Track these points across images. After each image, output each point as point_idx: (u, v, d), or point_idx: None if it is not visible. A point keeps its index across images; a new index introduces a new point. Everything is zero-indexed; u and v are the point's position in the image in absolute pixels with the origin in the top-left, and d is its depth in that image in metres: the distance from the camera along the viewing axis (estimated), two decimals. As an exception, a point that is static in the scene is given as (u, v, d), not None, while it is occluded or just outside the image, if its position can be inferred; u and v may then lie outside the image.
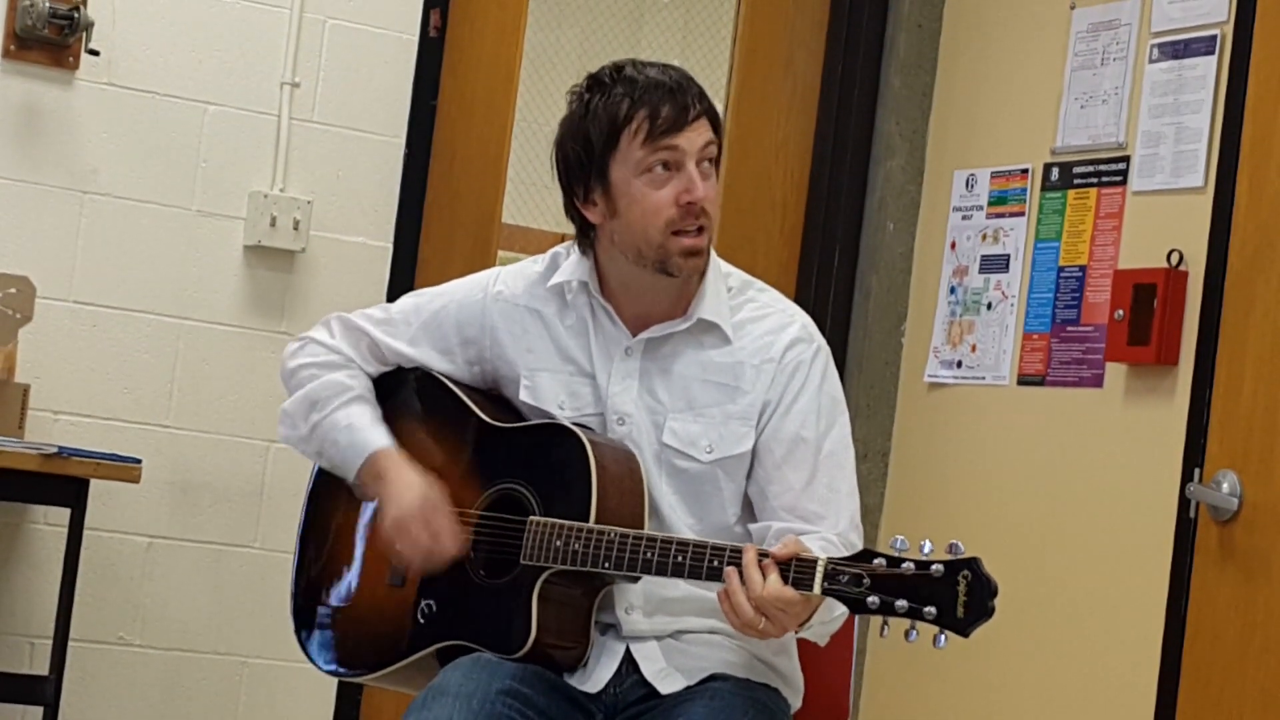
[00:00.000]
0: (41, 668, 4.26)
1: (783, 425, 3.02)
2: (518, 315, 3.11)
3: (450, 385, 3.13)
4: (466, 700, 2.84)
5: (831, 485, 3.02)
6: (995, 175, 4.67)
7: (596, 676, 2.97)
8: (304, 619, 3.19)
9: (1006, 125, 4.68)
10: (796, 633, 2.87)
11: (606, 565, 2.86)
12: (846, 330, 4.94)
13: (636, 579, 2.91)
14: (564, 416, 3.04)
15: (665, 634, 3.00)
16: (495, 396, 3.14)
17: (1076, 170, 4.44)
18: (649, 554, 2.83)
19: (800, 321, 3.09)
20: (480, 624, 2.97)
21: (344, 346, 3.18)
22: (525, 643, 2.90)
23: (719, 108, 3.08)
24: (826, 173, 5.01)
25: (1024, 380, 4.51)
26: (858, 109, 4.98)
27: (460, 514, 3.02)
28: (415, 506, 2.99)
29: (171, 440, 4.47)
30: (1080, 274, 4.38)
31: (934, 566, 2.66)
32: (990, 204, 4.68)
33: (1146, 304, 4.10)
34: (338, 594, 3.16)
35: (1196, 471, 3.96)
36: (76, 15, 4.30)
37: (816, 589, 2.70)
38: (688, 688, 2.97)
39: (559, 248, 3.15)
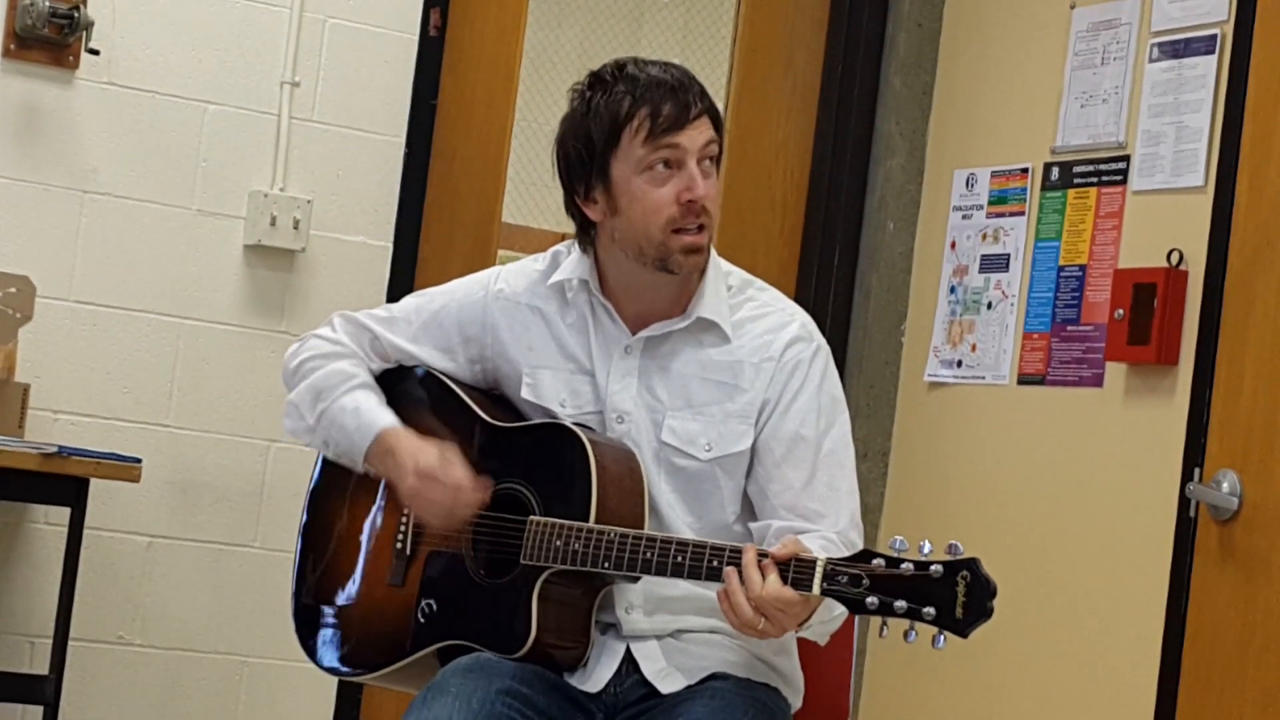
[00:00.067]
0: (41, 667, 4.26)
1: (782, 424, 3.02)
2: (519, 313, 3.11)
3: (451, 385, 3.13)
4: (466, 700, 2.84)
5: (831, 484, 3.02)
6: (995, 175, 4.67)
7: (597, 676, 2.97)
8: (304, 618, 3.18)
9: (1006, 125, 4.68)
10: (796, 632, 2.87)
11: (606, 565, 2.86)
12: (846, 330, 4.94)
13: (636, 579, 2.91)
14: (565, 414, 3.04)
15: (665, 633, 3.00)
16: (496, 396, 3.14)
17: (1076, 170, 4.44)
18: (649, 554, 2.83)
19: (800, 320, 3.09)
20: (480, 623, 2.97)
21: (346, 340, 3.18)
22: (525, 642, 2.90)
23: (719, 107, 3.08)
24: (826, 172, 5.01)
25: (1024, 380, 4.51)
26: (858, 108, 4.98)
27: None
28: (430, 464, 2.97)
29: (171, 440, 4.47)
30: (1080, 273, 4.38)
31: (933, 567, 2.66)
32: (990, 203, 4.68)
33: (1146, 303, 4.10)
34: (338, 593, 3.16)
35: (1196, 471, 3.96)
36: (76, 14, 4.30)
37: (816, 589, 2.70)
38: (688, 687, 2.97)
39: (560, 246, 3.15)
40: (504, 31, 4.77)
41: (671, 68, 3.01)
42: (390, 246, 4.64)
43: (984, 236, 4.69)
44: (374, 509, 3.13)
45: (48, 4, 4.29)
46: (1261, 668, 3.79)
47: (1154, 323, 4.09)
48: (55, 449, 4.07)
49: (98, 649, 4.42)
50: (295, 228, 4.53)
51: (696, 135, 2.97)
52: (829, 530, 2.98)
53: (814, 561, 2.71)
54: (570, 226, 3.12)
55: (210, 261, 4.50)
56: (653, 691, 2.97)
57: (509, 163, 4.79)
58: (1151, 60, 4.27)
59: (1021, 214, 4.59)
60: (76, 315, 4.40)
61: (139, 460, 4.17)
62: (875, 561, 2.68)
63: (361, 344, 3.18)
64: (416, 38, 4.65)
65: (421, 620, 3.03)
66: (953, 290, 4.75)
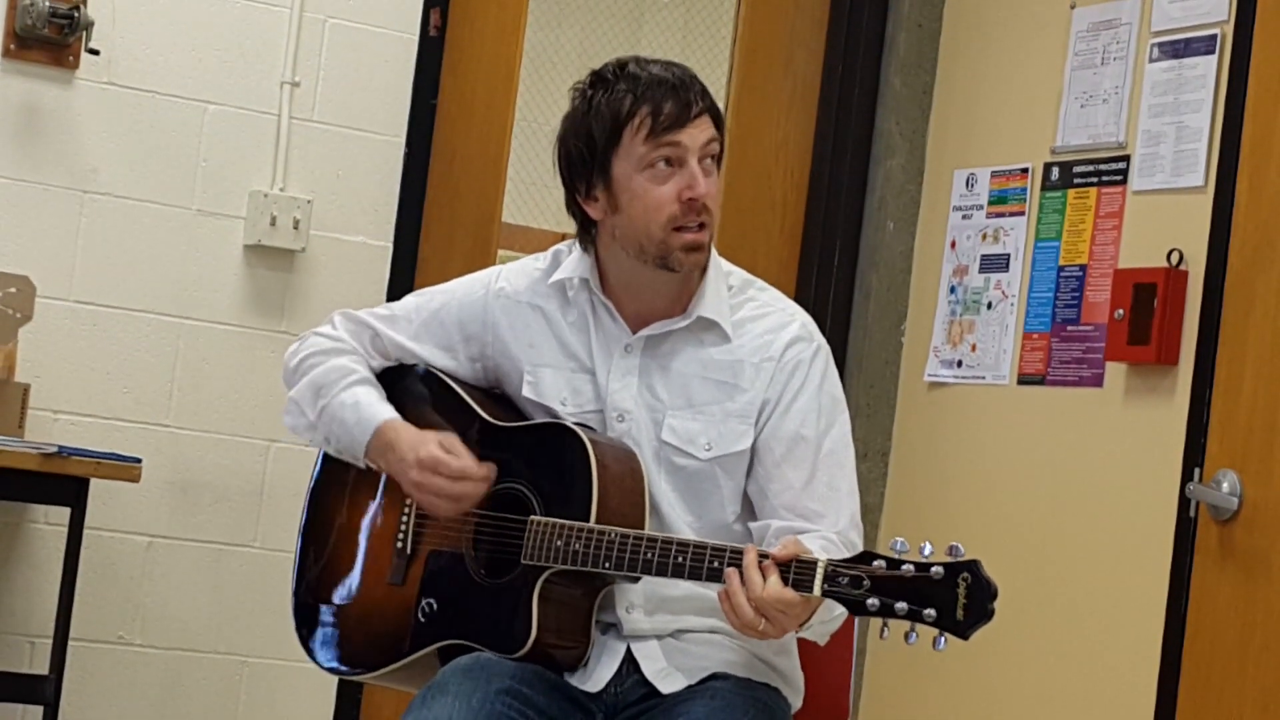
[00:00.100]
0: (41, 667, 4.26)
1: (782, 424, 3.02)
2: (520, 312, 3.11)
3: (451, 383, 3.13)
4: (466, 699, 2.84)
5: (831, 484, 3.02)
6: (995, 174, 4.67)
7: (597, 676, 2.97)
8: (305, 618, 3.18)
9: (1007, 125, 4.68)
10: (796, 633, 2.87)
11: (607, 565, 2.86)
12: (846, 329, 4.94)
13: (637, 579, 2.91)
14: (566, 413, 3.04)
15: (666, 633, 3.01)
16: (497, 395, 3.14)
17: (1076, 170, 4.44)
18: (649, 554, 2.83)
19: (800, 320, 3.09)
20: (481, 623, 2.97)
21: (346, 337, 3.19)
22: (526, 642, 2.90)
23: (719, 107, 3.08)
24: (826, 172, 5.01)
25: (1024, 380, 4.51)
26: (858, 108, 4.98)
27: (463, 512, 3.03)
28: (432, 454, 2.97)
29: (171, 439, 4.47)
30: (1080, 273, 4.38)
31: (934, 569, 2.66)
32: (990, 203, 4.68)
33: (1146, 303, 4.10)
34: (338, 593, 3.16)
35: (1196, 471, 3.96)
36: (76, 14, 4.30)
37: (816, 590, 2.70)
38: (688, 687, 2.97)
39: (561, 245, 3.15)
40: (504, 31, 4.77)
41: (673, 66, 3.01)
42: (390, 246, 4.64)
43: (984, 236, 4.69)
44: (374, 508, 3.13)
45: (48, 4, 4.29)
46: (1261, 668, 3.79)
47: (1154, 323, 4.09)
48: (55, 449, 4.07)
49: (98, 649, 4.42)
50: (295, 228, 4.53)
51: (698, 133, 2.98)
52: (829, 530, 2.98)
53: (815, 563, 2.71)
54: (570, 226, 3.12)
55: (210, 261, 4.50)
56: (653, 691, 2.97)
57: (509, 163, 4.79)
58: (1151, 60, 4.27)
59: (1021, 214, 4.59)
60: (76, 315, 4.40)
61: (139, 460, 4.17)
62: (876, 563, 2.68)
63: (362, 341, 3.18)
64: (416, 38, 4.65)
65: (422, 619, 3.03)
66: (953, 290, 4.75)
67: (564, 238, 3.21)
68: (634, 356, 3.05)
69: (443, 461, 2.97)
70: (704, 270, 3.05)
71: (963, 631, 2.65)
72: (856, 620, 3.03)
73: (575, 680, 2.97)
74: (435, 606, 3.03)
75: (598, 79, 3.02)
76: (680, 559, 2.81)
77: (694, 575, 2.81)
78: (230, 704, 4.53)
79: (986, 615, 2.64)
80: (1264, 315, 3.88)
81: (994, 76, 4.74)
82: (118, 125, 4.42)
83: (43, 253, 4.36)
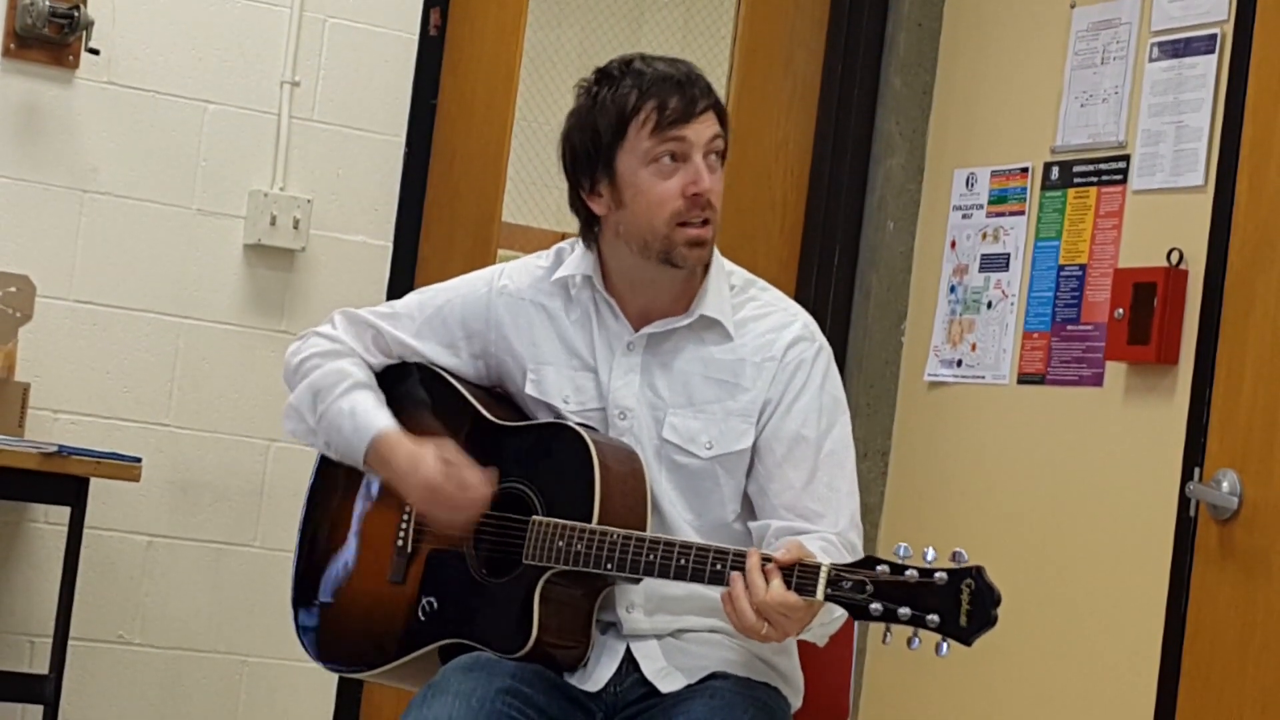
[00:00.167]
0: (41, 666, 4.26)
1: (783, 424, 3.02)
2: (523, 309, 3.11)
3: (454, 382, 3.13)
4: (466, 698, 2.84)
5: (831, 484, 3.02)
6: (995, 174, 4.68)
7: (597, 675, 2.97)
8: (305, 616, 3.19)
9: (1007, 124, 4.68)
10: (797, 634, 2.87)
11: (609, 567, 2.86)
12: (846, 329, 4.94)
13: (638, 580, 2.91)
14: (568, 410, 3.04)
15: (666, 633, 3.00)
16: (499, 395, 3.14)
17: (1076, 169, 4.44)
18: (651, 556, 2.83)
19: (802, 320, 3.09)
20: (481, 623, 2.97)
21: (347, 338, 3.18)
22: (526, 643, 2.90)
23: (720, 106, 3.09)
24: (826, 171, 5.01)
25: (1024, 379, 4.51)
26: (858, 108, 4.98)
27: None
28: (434, 464, 2.97)
29: (171, 439, 4.47)
30: (1080, 273, 4.38)
31: (937, 574, 2.65)
32: (990, 203, 4.68)
33: (1146, 303, 4.10)
34: (339, 592, 3.16)
35: (1196, 470, 3.96)
36: (76, 14, 4.30)
37: (820, 595, 2.70)
38: (688, 686, 2.97)
39: (563, 244, 3.16)
40: (504, 31, 4.78)
41: (679, 63, 3.02)
42: (390, 246, 4.64)
43: (984, 236, 4.69)
44: (374, 506, 3.13)
45: (48, 3, 4.29)
46: (1261, 667, 3.79)
47: (1154, 322, 4.09)
48: (55, 448, 4.07)
49: (98, 648, 4.42)
50: (295, 227, 4.53)
51: (703, 129, 2.98)
52: (828, 531, 2.98)
53: (818, 567, 2.71)
54: (570, 226, 3.12)
55: (210, 261, 4.50)
56: (653, 691, 2.97)
57: (509, 162, 4.79)
58: (1151, 60, 4.27)
59: (1021, 213, 4.59)
60: (76, 315, 4.40)
61: (139, 460, 4.17)
62: (880, 568, 2.68)
63: (363, 341, 3.18)
64: (416, 37, 4.66)
65: (422, 618, 3.03)
66: (953, 289, 4.75)
67: (564, 237, 3.21)
68: (636, 354, 3.05)
69: (444, 482, 2.97)
70: (706, 269, 3.05)
71: (966, 637, 2.65)
72: (857, 622, 3.03)
73: (575, 680, 2.97)
74: (436, 605, 3.03)
75: (603, 75, 3.02)
76: (683, 561, 2.81)
77: (696, 578, 2.81)
78: (230, 703, 4.53)
79: (990, 621, 2.64)
80: (1264, 315, 3.88)
81: (994, 76, 4.75)
82: (118, 125, 4.42)
83: (43, 252, 4.36)
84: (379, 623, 3.09)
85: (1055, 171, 4.50)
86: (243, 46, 4.51)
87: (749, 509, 3.05)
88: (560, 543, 2.89)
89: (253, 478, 4.53)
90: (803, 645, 3.08)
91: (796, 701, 3.10)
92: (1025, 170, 4.59)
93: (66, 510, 4.15)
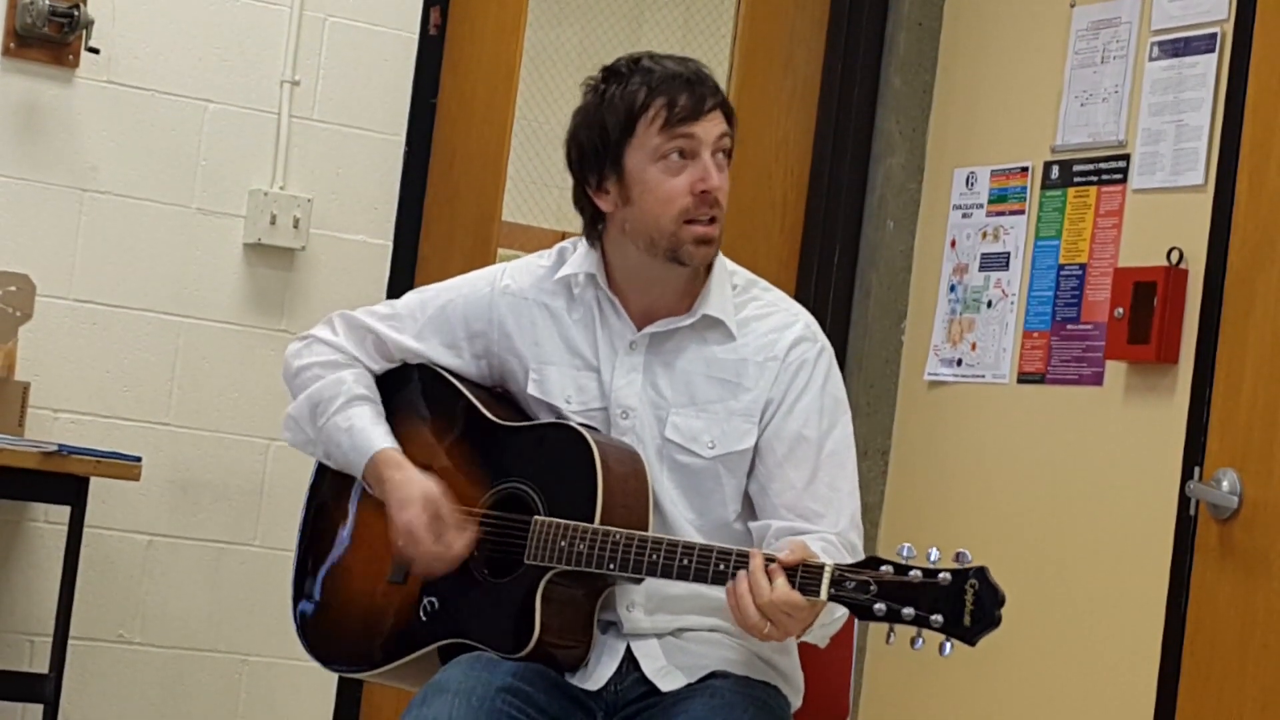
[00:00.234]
0: (41, 666, 4.26)
1: (785, 424, 3.02)
2: (525, 309, 3.11)
3: (456, 383, 3.13)
4: (466, 697, 2.84)
5: (832, 484, 3.02)
6: (995, 173, 4.68)
7: (597, 674, 2.97)
8: (305, 616, 3.19)
9: (1007, 123, 4.68)
10: (798, 636, 2.88)
11: (611, 567, 2.86)
12: (847, 328, 4.94)
13: (640, 580, 2.91)
14: (570, 410, 3.04)
15: (666, 632, 3.00)
16: (500, 394, 3.14)
17: (1077, 168, 4.44)
18: (654, 556, 2.83)
19: (804, 320, 3.09)
20: (483, 623, 2.97)
21: (348, 345, 3.18)
22: (528, 643, 2.90)
23: (721, 106, 3.09)
24: (827, 171, 5.01)
25: (1024, 378, 4.51)
26: (858, 107, 4.98)
27: (464, 512, 3.02)
28: (416, 514, 2.99)
29: (171, 438, 4.47)
30: (1080, 272, 4.38)
31: (941, 575, 2.65)
32: (990, 202, 4.68)
33: (1146, 302, 4.10)
34: (339, 591, 3.16)
35: (1196, 469, 3.96)
36: (76, 13, 4.30)
37: (823, 596, 2.70)
38: (688, 685, 2.97)
39: (565, 243, 3.16)
40: (504, 31, 4.77)
41: (688, 61, 3.03)
42: (390, 245, 4.64)
43: (984, 235, 4.69)
44: (375, 507, 3.12)
45: (48, 3, 4.28)
46: (1261, 667, 3.79)
47: (1154, 321, 4.09)
48: (55, 447, 4.07)
49: (98, 647, 4.42)
50: (295, 226, 4.53)
51: (711, 127, 2.99)
52: (829, 531, 2.98)
53: (822, 567, 2.71)
54: (571, 225, 3.12)
55: (210, 260, 4.50)
56: (653, 690, 2.97)
57: (509, 161, 4.79)
58: (1151, 59, 4.27)
59: (1021, 212, 4.59)
60: (76, 314, 4.40)
61: (139, 459, 4.17)
62: (883, 568, 2.68)
63: (364, 348, 3.18)
64: (416, 36, 4.65)
65: (423, 618, 3.03)
66: (953, 289, 4.75)
67: (564, 236, 3.21)
68: (639, 354, 3.05)
69: (428, 522, 2.97)
70: (709, 268, 3.05)
71: (969, 638, 2.65)
72: (857, 620, 3.03)
73: (575, 679, 2.97)
74: (437, 605, 3.03)
75: (611, 73, 3.03)
76: (685, 561, 2.81)
77: (699, 578, 2.81)
78: (230, 703, 4.53)
79: (993, 622, 2.64)
80: (1264, 314, 3.88)
81: (994, 75, 4.75)
82: (118, 124, 4.42)
83: (43, 251, 4.36)
84: (379, 622, 3.09)
85: (1055, 171, 4.50)
86: (243, 46, 4.51)
87: (749, 509, 3.05)
88: (562, 543, 2.89)
89: (253, 477, 4.53)
90: (803, 645, 3.08)
91: (796, 701, 3.10)
92: (1025, 169, 4.59)
93: (66, 509, 4.14)
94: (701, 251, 3.00)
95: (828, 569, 2.70)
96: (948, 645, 2.65)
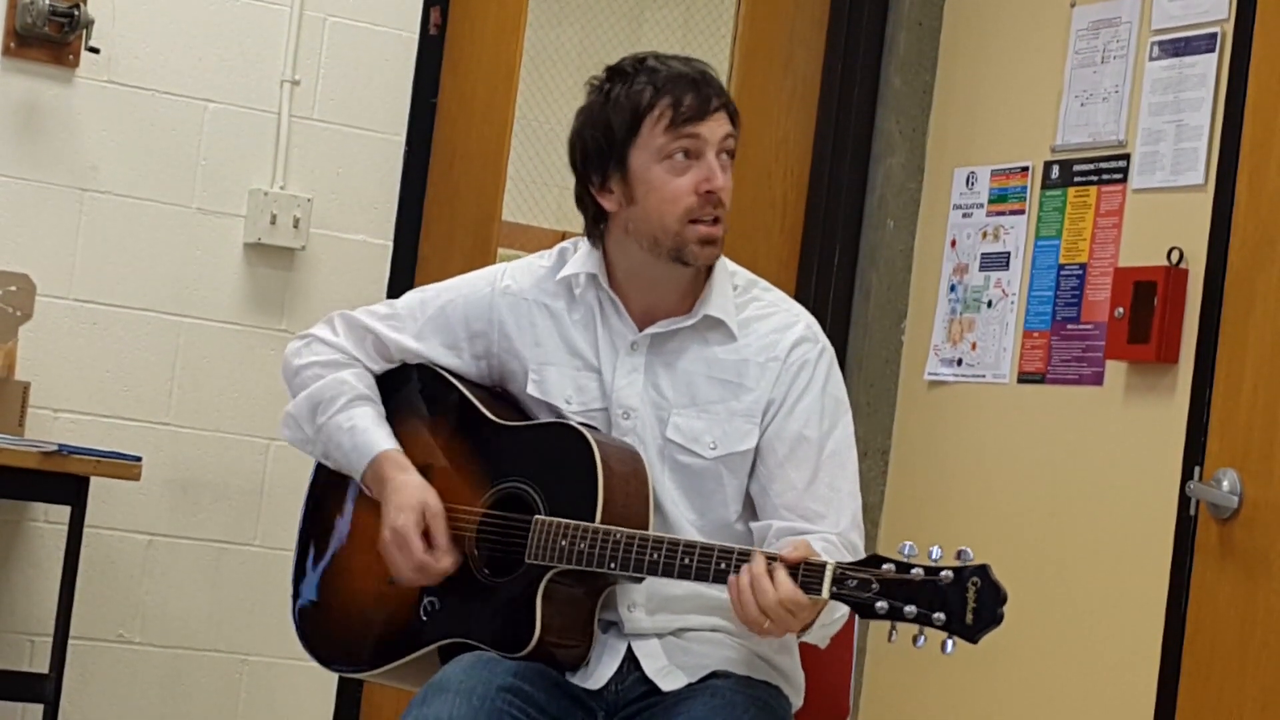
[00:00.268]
0: (41, 665, 4.26)
1: (786, 424, 3.02)
2: (526, 309, 3.11)
3: (456, 383, 3.13)
4: (467, 696, 2.84)
5: (833, 485, 3.02)
6: (995, 173, 4.68)
7: (598, 674, 2.97)
8: (305, 615, 3.19)
9: (1007, 123, 4.68)
10: (799, 636, 2.88)
11: (613, 566, 2.86)
12: (847, 328, 4.94)
13: (641, 579, 2.91)
14: (570, 410, 3.04)
15: (667, 632, 3.00)
16: (501, 394, 3.14)
17: (1077, 168, 4.44)
18: (655, 555, 2.83)
19: (805, 321, 3.09)
20: (483, 622, 2.97)
21: (348, 344, 3.18)
22: (529, 642, 2.90)
23: (722, 105, 3.09)
24: (827, 170, 5.01)
25: (1024, 378, 4.51)
26: (858, 107, 4.98)
27: (465, 512, 3.02)
28: (411, 522, 2.99)
29: (172, 438, 4.47)
30: (1080, 272, 4.39)
31: (943, 573, 2.65)
32: (990, 202, 4.68)
33: (1147, 302, 4.11)
34: (339, 590, 3.16)
35: (1197, 469, 3.96)
36: (76, 13, 4.30)
37: (825, 593, 2.70)
38: (689, 685, 2.97)
39: (566, 243, 3.16)
40: (504, 30, 4.77)
41: (693, 62, 3.04)
42: (390, 245, 4.64)
43: (984, 235, 4.69)
44: (374, 506, 3.12)
45: (48, 2, 4.28)
46: (1261, 666, 3.79)
47: (1154, 321, 4.09)
48: (55, 447, 4.07)
49: (98, 647, 4.42)
50: (295, 226, 4.53)
51: (716, 127, 2.99)
52: (830, 531, 2.98)
53: (823, 565, 2.71)
54: (571, 224, 3.13)
55: (210, 260, 4.50)
56: (654, 689, 2.97)
57: (509, 161, 4.79)
58: (1152, 58, 4.27)
59: (1022, 212, 4.59)
60: (76, 313, 4.40)
61: (139, 458, 4.16)
62: (885, 566, 2.68)
63: (364, 348, 3.18)
64: (417, 36, 4.65)
65: (424, 618, 3.03)
66: (953, 288, 4.75)
67: (564, 236, 3.21)
68: (640, 354, 3.05)
69: (411, 545, 2.98)
70: (710, 269, 3.05)
71: (971, 635, 2.65)
72: (857, 619, 3.03)
73: (576, 678, 2.97)
74: (438, 605, 3.03)
75: (616, 72, 3.03)
76: (687, 560, 2.81)
77: (701, 577, 2.81)
78: (230, 702, 4.53)
79: (996, 620, 2.64)
80: (1264, 314, 3.88)
81: (994, 75, 4.75)
82: (118, 123, 4.42)
83: (43, 251, 4.36)
84: (380, 622, 3.09)
85: (1055, 170, 4.50)
86: (243, 45, 4.51)
87: (750, 509, 3.05)
88: (563, 542, 2.89)
89: (253, 476, 4.53)
90: (803, 645, 3.08)
91: (797, 701, 3.10)
92: (1025, 169, 4.59)
93: (67, 509, 4.14)
94: (706, 251, 3.00)
95: (830, 567, 2.70)
96: (950, 643, 2.65)
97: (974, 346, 4.66)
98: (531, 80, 5.00)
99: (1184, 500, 3.99)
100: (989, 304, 4.63)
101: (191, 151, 4.48)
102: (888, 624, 2.69)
